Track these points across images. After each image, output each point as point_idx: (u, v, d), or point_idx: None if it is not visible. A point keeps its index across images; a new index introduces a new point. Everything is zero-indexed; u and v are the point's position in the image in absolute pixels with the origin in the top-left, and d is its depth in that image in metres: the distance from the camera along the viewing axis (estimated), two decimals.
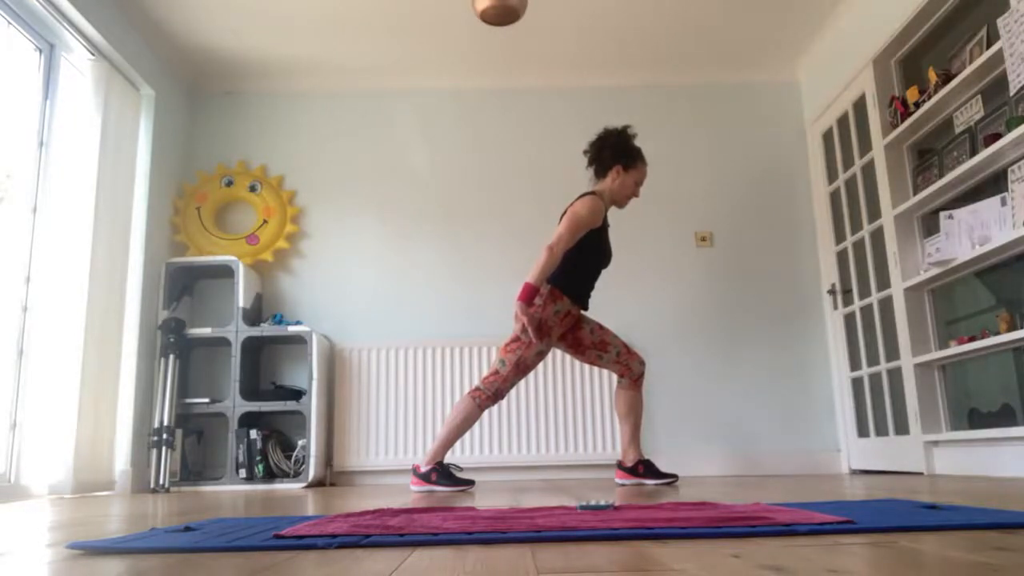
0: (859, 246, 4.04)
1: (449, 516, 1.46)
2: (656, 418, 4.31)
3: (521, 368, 3.13)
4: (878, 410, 3.89)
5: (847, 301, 4.20)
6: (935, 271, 3.24)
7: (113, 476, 3.74)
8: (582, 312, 3.30)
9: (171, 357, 3.98)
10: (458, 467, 3.21)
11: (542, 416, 4.18)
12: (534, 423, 4.17)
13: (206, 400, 4.03)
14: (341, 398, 4.19)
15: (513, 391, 4.20)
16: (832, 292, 4.32)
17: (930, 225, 3.49)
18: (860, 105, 3.95)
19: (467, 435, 4.15)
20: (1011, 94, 2.77)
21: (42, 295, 3.42)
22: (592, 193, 3.19)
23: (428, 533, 1.18)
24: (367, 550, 1.08)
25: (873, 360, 3.93)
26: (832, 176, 4.37)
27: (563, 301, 3.15)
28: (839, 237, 4.29)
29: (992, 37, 2.96)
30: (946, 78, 3.19)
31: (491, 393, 3.13)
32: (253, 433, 3.96)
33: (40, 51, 3.56)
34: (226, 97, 4.74)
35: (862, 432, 4.07)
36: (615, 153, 3.25)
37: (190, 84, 4.67)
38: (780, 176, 4.62)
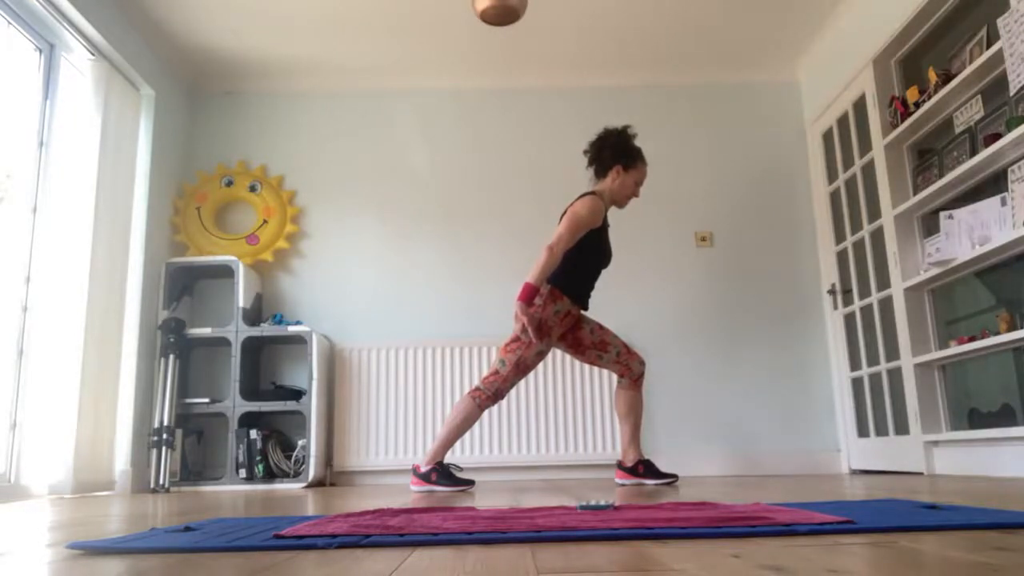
0: (859, 246, 4.04)
1: (449, 516, 1.46)
2: (656, 418, 4.31)
3: (521, 368, 3.13)
4: (878, 410, 3.89)
5: (847, 301, 4.20)
6: (935, 271, 3.24)
7: (113, 476, 3.74)
8: (582, 312, 3.30)
9: (171, 357, 3.98)
10: (458, 467, 3.21)
11: (542, 416, 4.18)
12: (534, 423, 4.17)
13: (206, 400, 4.03)
14: (341, 398, 4.19)
15: (513, 391, 4.20)
16: (832, 292, 4.32)
17: (930, 225, 3.49)
18: (860, 105, 3.95)
19: (467, 435, 4.15)
20: (1011, 94, 2.77)
21: (42, 295, 3.42)
22: (592, 193, 3.19)
23: (428, 533, 1.18)
24: (367, 550, 1.08)
25: (873, 360, 3.93)
26: (832, 176, 4.37)
27: (563, 301, 3.15)
28: (839, 237, 4.29)
29: (992, 37, 2.96)
30: (946, 78, 3.19)
31: (491, 393, 3.13)
32: (253, 433, 3.96)
33: (40, 51, 3.56)
34: (226, 97, 4.74)
35: (862, 432, 4.07)
36: (615, 153, 3.25)
37: (190, 84, 4.68)
38: (780, 176, 4.62)
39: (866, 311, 3.98)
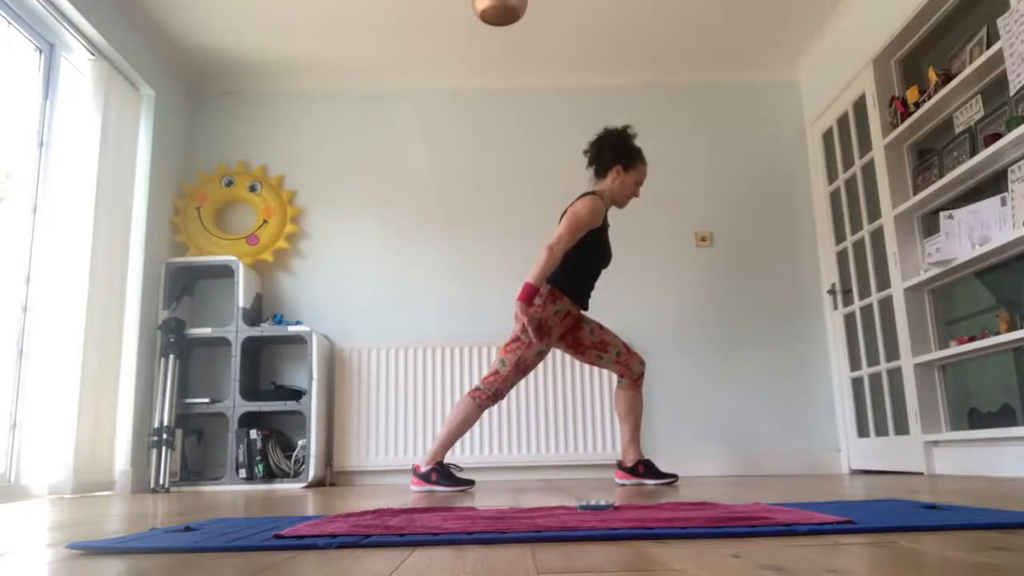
0: (859, 246, 4.04)
1: (449, 516, 1.46)
2: (656, 418, 4.31)
3: (521, 368, 3.13)
4: (878, 410, 3.89)
5: (847, 301, 4.20)
6: (935, 271, 3.24)
7: (113, 476, 3.74)
8: (582, 312, 3.30)
9: (171, 357, 3.98)
10: (458, 467, 3.21)
11: (542, 416, 4.18)
12: (534, 423, 4.17)
13: (206, 400, 4.03)
14: (341, 398, 4.19)
15: (513, 391, 4.20)
16: (832, 292, 4.32)
17: (930, 225, 3.49)
18: (860, 105, 3.95)
19: (467, 435, 4.15)
20: (1011, 94, 2.77)
21: (42, 295, 3.42)
22: (592, 193, 3.19)
23: (428, 533, 1.18)
24: (367, 550, 1.08)
25: (873, 360, 3.93)
26: (832, 176, 4.37)
27: (563, 301, 3.15)
28: (839, 237, 4.29)
29: (992, 37, 2.96)
30: (946, 78, 3.19)
31: (491, 393, 3.13)
32: (253, 433, 3.96)
33: (40, 51, 3.56)
34: (226, 97, 4.74)
35: (862, 432, 4.07)
36: (615, 153, 3.25)
37: (190, 84, 4.68)
38: (780, 176, 4.62)
39: (866, 311, 3.98)
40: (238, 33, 4.15)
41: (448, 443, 3.13)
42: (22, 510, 2.40)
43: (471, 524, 1.28)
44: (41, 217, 3.44)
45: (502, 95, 4.74)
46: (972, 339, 3.08)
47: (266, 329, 4.08)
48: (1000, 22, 2.77)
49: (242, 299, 4.11)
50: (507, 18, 3.49)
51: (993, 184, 3.02)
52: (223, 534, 1.26)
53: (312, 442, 3.93)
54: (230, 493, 3.44)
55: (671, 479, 3.23)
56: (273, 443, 4.02)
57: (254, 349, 4.30)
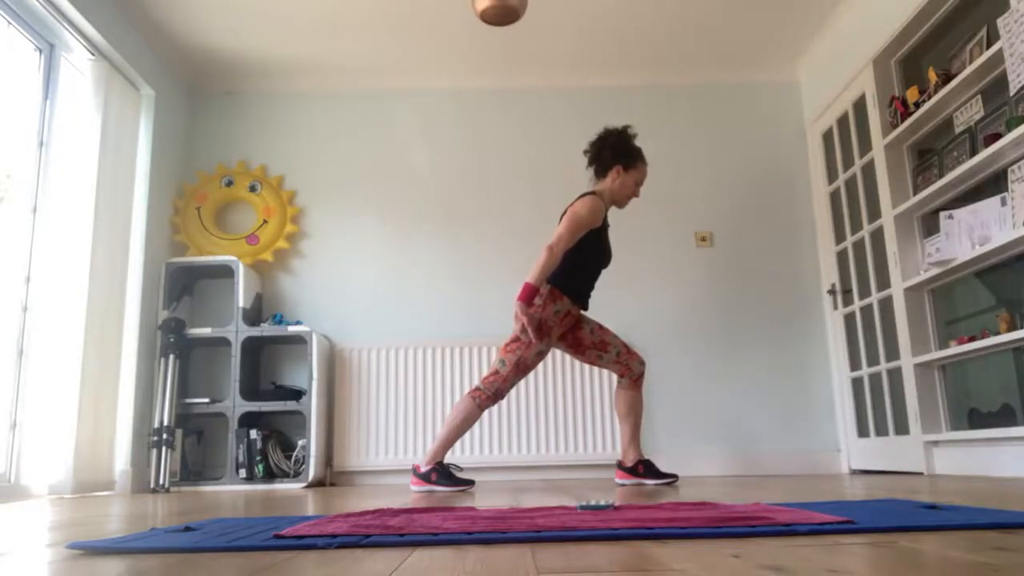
0: (859, 246, 4.04)
1: (449, 516, 1.46)
2: (656, 418, 4.31)
3: (521, 368, 3.13)
4: (878, 410, 3.89)
5: (847, 301, 4.20)
6: (935, 271, 3.24)
7: (113, 476, 3.74)
8: (582, 312, 3.30)
9: (171, 357, 3.98)
10: (458, 467, 3.21)
11: (542, 416, 4.18)
12: (534, 423, 4.17)
13: (206, 400, 4.03)
14: (341, 398, 4.19)
15: (513, 391, 4.20)
16: (832, 292, 4.32)
17: (930, 225, 3.49)
18: (860, 105, 3.95)
19: (467, 435, 4.15)
20: (1011, 94, 2.77)
21: (42, 295, 3.42)
22: (592, 193, 3.19)
23: (428, 533, 1.18)
24: (367, 550, 1.08)
25: (873, 360, 3.93)
26: (832, 176, 4.37)
27: (563, 301, 3.15)
28: (839, 237, 4.29)
29: (992, 37, 2.96)
30: (946, 78, 3.19)
31: (491, 393, 3.13)
32: (253, 433, 3.96)
33: (40, 51, 3.56)
34: (226, 97, 4.74)
35: (862, 432, 4.07)
36: (615, 153, 3.25)
37: (190, 84, 4.68)
38: (780, 176, 4.62)
39: (866, 311, 3.98)
40: (238, 33, 4.15)
41: (448, 443, 3.13)
42: (22, 510, 2.40)
43: (471, 524, 1.28)
44: (41, 217, 3.44)
45: (502, 95, 4.74)
46: (972, 339, 3.08)
47: (266, 329, 4.08)
48: (1000, 22, 2.77)
49: (242, 299, 4.11)
50: (507, 18, 3.49)
51: (993, 184, 3.02)
52: (223, 534, 1.26)
53: (312, 442, 3.93)
54: (230, 493, 3.44)
55: (671, 479, 3.23)
56: (273, 443, 4.02)
57: (254, 349, 4.30)
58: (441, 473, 3.09)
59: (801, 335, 4.41)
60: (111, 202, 3.80)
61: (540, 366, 4.23)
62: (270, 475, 3.96)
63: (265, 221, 4.43)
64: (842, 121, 4.18)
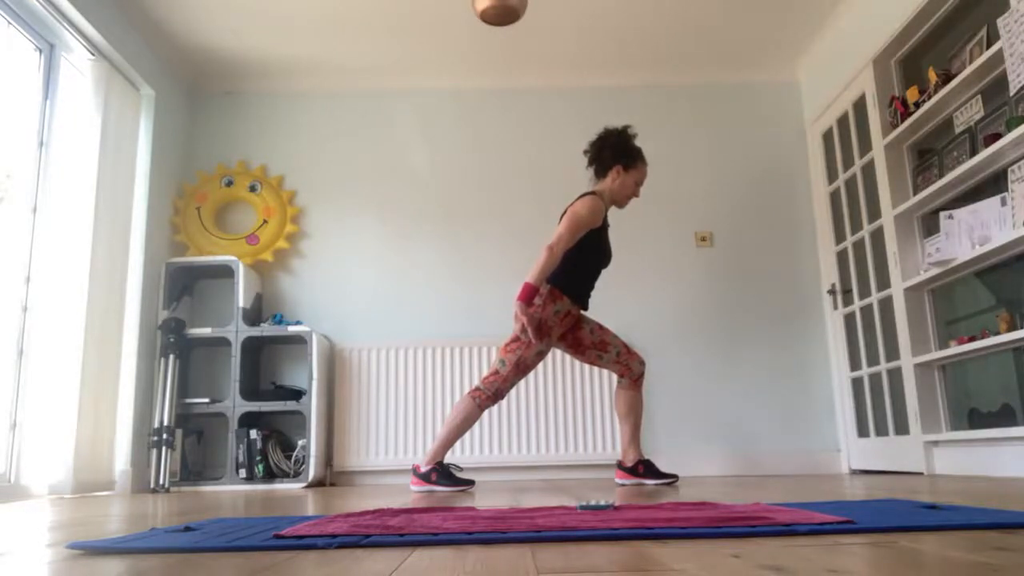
0: (859, 246, 4.04)
1: (449, 516, 1.46)
2: (656, 418, 4.31)
3: (521, 368, 3.13)
4: (878, 410, 3.89)
5: (847, 301, 4.20)
6: (935, 271, 3.24)
7: (113, 476, 3.74)
8: (582, 312, 3.30)
9: (171, 357, 3.98)
10: (458, 467, 3.21)
11: (542, 416, 4.18)
12: (534, 423, 4.17)
13: (206, 400, 4.03)
14: (341, 398, 4.19)
15: (513, 391, 4.20)
16: (832, 292, 4.32)
17: (930, 225, 3.49)
18: (860, 105, 3.95)
19: (467, 435, 4.15)
20: (1011, 94, 2.77)
21: (42, 295, 3.42)
22: (592, 193, 3.19)
23: (428, 533, 1.18)
24: (367, 550, 1.08)
25: (873, 360, 3.93)
26: (832, 176, 4.37)
27: (563, 301, 3.15)
28: (839, 237, 4.29)
29: (992, 37, 2.96)
30: (946, 78, 3.19)
31: (491, 393, 3.13)
32: (253, 433, 3.96)
33: (40, 51, 3.56)
34: (226, 97, 4.74)
35: (862, 432, 4.07)
36: (615, 153, 3.25)
37: (190, 84, 4.68)
38: (780, 176, 4.63)
39: (866, 311, 3.98)
40: (238, 33, 4.15)
41: (448, 443, 3.13)
42: (22, 510, 2.40)
43: (471, 524, 1.28)
44: (41, 217, 3.44)
45: (502, 95, 4.74)
46: (972, 339, 3.08)
47: (266, 329, 4.08)
48: (1000, 22, 2.77)
49: (242, 299, 4.11)
50: (507, 18, 3.49)
51: (993, 184, 3.02)
52: (223, 534, 1.26)
53: (312, 442, 3.93)
54: (230, 493, 3.44)
55: (671, 479, 3.23)
56: (273, 443, 4.02)
57: (254, 349, 4.30)
58: (441, 473, 3.09)
59: (801, 335, 4.41)
60: (111, 202, 3.80)
61: (540, 366, 4.23)
62: (270, 475, 3.96)
63: (265, 221, 4.43)
64: (842, 121, 4.18)
